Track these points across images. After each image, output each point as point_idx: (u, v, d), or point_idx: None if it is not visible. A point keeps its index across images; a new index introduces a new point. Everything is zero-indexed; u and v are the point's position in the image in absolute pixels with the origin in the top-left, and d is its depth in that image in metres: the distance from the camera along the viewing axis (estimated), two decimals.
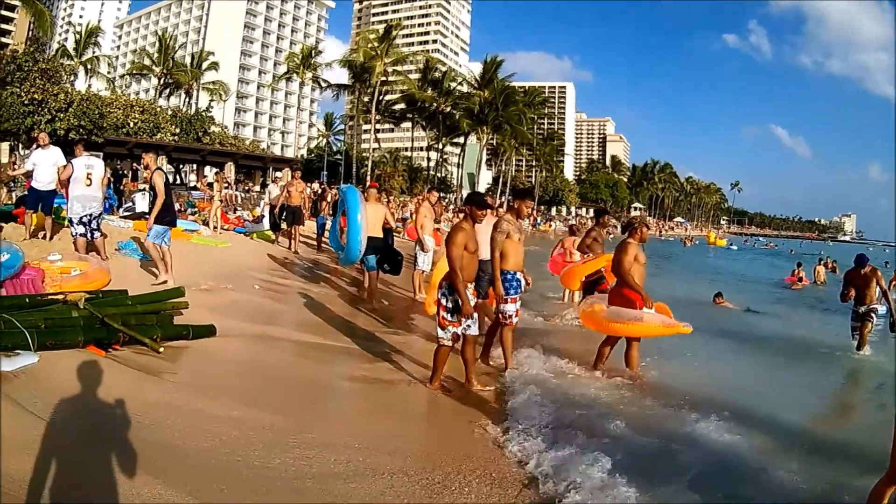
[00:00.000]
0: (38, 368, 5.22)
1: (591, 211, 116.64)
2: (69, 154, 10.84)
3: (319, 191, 23.67)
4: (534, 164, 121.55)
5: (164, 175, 9.87)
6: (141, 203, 17.79)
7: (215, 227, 17.60)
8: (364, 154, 73.33)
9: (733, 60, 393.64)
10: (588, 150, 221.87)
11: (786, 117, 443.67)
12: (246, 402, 5.51)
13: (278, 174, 15.97)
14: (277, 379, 6.67)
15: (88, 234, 10.25)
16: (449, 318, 6.16)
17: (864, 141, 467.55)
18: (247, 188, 39.53)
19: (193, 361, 6.64)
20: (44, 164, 11.04)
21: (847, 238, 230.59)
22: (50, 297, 6.97)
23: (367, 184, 19.07)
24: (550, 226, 72.26)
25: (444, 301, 6.18)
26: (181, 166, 46.01)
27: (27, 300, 6.75)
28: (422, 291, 12.00)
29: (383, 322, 10.18)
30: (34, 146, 11.77)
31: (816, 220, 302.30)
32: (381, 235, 11.23)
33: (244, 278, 12.02)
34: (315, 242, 19.29)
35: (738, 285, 24.71)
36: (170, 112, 46.82)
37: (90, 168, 10.32)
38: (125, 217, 17.15)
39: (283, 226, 17.53)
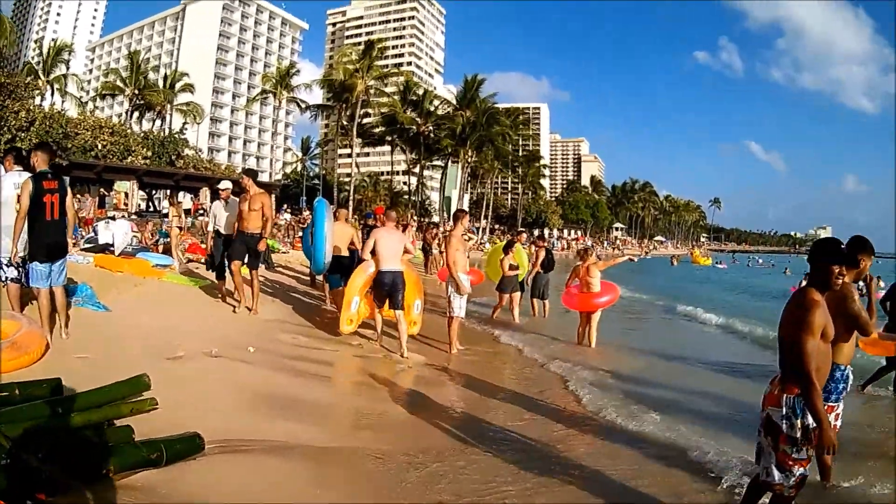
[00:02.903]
0: None
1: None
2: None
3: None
4: (509, 186, 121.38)
5: (36, 187, 6.78)
6: (104, 234, 14.79)
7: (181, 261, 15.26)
8: (342, 178, 71.32)
9: (706, 78, 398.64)
10: (563, 171, 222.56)
11: (760, 133, 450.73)
12: None
13: (225, 184, 11.84)
14: None
15: (23, 280, 7.11)
16: (795, 455, 3.75)
17: (838, 153, 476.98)
18: None
19: None
20: None
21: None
22: None
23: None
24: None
25: (785, 426, 3.77)
26: (154, 192, 43.59)
27: None
28: (459, 345, 10.35)
29: (419, 390, 7.77)
30: None
31: (792, 233, 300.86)
32: (346, 254, 11.57)
33: (230, 334, 9.11)
34: (308, 276, 16.66)
35: (766, 301, 23.89)
36: (141, 134, 44.62)
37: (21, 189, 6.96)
38: (86, 250, 13.60)
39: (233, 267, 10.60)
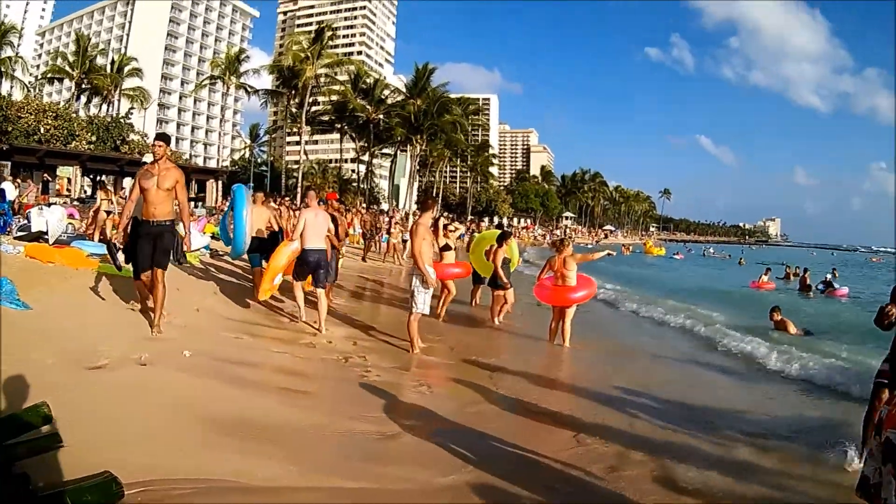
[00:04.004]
0: None
1: (523, 220, 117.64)
2: None
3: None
4: (458, 175, 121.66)
5: None
6: (37, 221, 13.22)
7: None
8: (291, 165, 70.79)
9: (657, 73, 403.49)
10: (512, 161, 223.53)
11: (710, 127, 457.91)
12: None
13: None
14: None
15: None
16: None
17: (788, 148, 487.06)
18: None
19: None
20: None
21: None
22: None
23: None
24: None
25: None
26: (98, 178, 43.02)
27: None
28: (421, 342, 9.41)
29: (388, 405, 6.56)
30: None
31: (741, 224, 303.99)
32: (265, 237, 11.93)
33: (164, 333, 7.75)
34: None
35: (728, 294, 23.84)
36: (86, 119, 43.87)
37: None
38: (18, 238, 12.19)
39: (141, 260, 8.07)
